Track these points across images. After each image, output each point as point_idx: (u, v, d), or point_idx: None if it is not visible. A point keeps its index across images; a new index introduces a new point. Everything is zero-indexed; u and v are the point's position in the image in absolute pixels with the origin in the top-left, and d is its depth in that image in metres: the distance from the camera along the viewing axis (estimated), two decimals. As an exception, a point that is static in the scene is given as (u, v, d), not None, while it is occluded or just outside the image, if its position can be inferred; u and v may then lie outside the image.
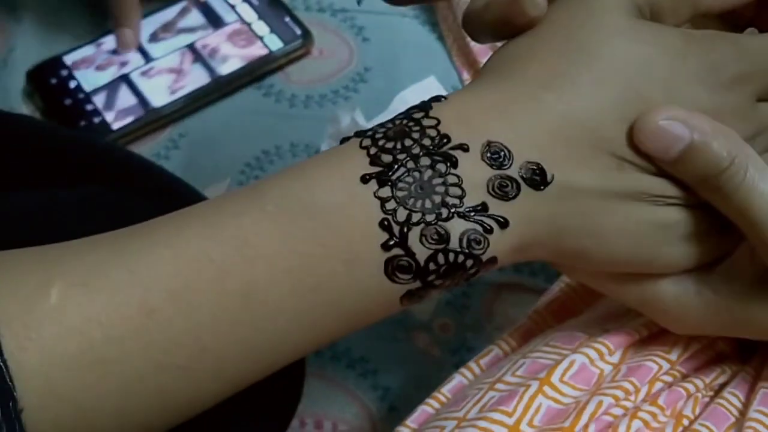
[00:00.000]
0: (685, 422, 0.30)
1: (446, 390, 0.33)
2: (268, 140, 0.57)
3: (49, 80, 0.58)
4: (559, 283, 0.42)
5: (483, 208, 0.26)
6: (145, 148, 0.57)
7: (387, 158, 0.26)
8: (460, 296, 0.51)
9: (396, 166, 0.25)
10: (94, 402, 0.23)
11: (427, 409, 0.33)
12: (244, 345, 0.25)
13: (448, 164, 0.26)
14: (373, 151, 0.26)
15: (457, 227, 0.25)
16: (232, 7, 0.62)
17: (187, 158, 0.56)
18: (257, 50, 0.60)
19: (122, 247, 0.25)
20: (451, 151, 0.26)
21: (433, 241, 0.25)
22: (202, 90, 0.58)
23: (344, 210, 0.25)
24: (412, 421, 0.32)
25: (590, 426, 0.29)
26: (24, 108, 0.58)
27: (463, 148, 0.26)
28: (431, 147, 0.26)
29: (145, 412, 0.24)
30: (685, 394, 0.31)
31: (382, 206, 0.25)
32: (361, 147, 0.26)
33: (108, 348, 0.23)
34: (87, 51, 0.60)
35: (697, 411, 0.30)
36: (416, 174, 0.25)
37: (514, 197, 0.26)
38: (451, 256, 0.25)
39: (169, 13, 0.62)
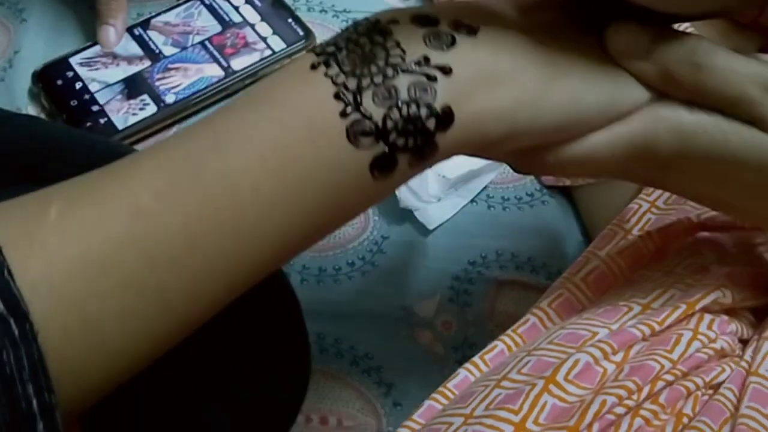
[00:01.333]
0: (685, 420, 0.31)
1: (452, 385, 0.34)
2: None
3: (55, 81, 0.59)
4: (560, 280, 0.42)
5: (425, 60, 0.28)
6: (151, 148, 0.57)
7: (330, 48, 0.28)
8: (462, 294, 0.52)
9: (340, 51, 0.28)
10: (97, 304, 0.25)
11: (433, 404, 0.33)
12: (230, 233, 0.26)
13: (385, 35, 0.28)
14: (317, 49, 0.28)
15: (404, 81, 0.27)
16: (236, 8, 0.63)
17: (192, 158, 0.57)
18: (260, 51, 0.61)
19: (113, 168, 0.27)
20: (384, 26, 0.29)
21: (384, 98, 0.27)
22: (214, 86, 0.59)
23: (299, 92, 0.27)
24: (419, 416, 0.33)
25: (594, 425, 0.29)
26: (30, 108, 0.59)
27: (394, 21, 0.29)
28: (365, 30, 0.29)
29: (145, 314, 0.26)
30: (686, 392, 0.31)
31: (333, 81, 0.27)
32: (307, 51, 0.29)
33: (105, 250, 0.25)
34: (94, 51, 0.61)
35: (697, 409, 0.31)
36: (358, 50, 0.28)
37: (452, 44, 0.28)
38: (404, 108, 0.27)
39: (178, 12, 0.63)
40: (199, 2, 0.63)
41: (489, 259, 0.53)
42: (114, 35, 0.60)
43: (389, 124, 0.27)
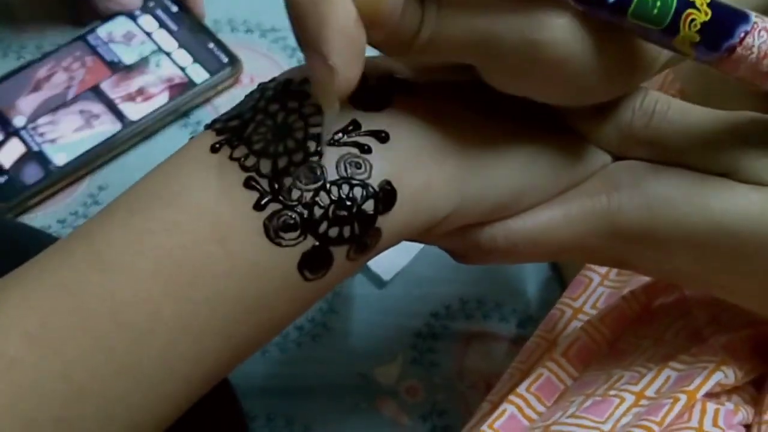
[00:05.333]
0: None
1: None
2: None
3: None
4: (536, 340, 0.38)
5: (354, 126, 0.23)
6: (61, 206, 0.50)
7: (235, 123, 0.23)
8: (426, 352, 0.46)
9: (246, 125, 0.23)
10: None
11: None
12: (127, 375, 0.21)
13: (300, 98, 0.23)
14: (218, 125, 0.23)
15: (331, 157, 0.22)
16: (149, 34, 0.55)
17: (110, 214, 0.50)
18: (179, 83, 0.54)
19: None
20: (298, 88, 0.23)
21: (308, 181, 0.22)
22: (113, 139, 0.51)
23: (200, 184, 0.22)
24: None
25: None
26: None
27: (309, 81, 0.23)
28: (276, 95, 0.23)
29: None
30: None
31: (241, 165, 0.22)
32: (206, 128, 0.24)
33: None
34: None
35: None
36: (269, 122, 0.23)
37: (387, 103, 0.23)
38: (335, 190, 0.22)
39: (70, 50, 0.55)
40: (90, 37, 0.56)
41: (453, 309, 0.48)
42: None
43: (317, 212, 0.22)
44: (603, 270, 0.41)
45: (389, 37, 0.21)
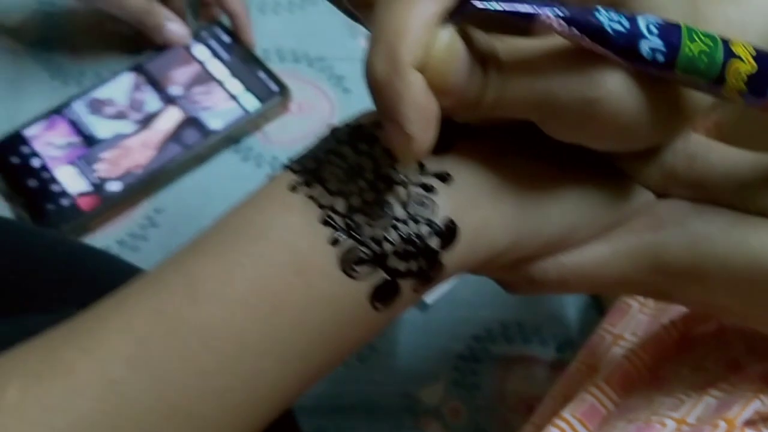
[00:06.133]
0: None
1: None
2: (251, 209, 0.54)
3: (9, 159, 0.54)
4: (577, 365, 0.39)
5: (420, 167, 0.25)
6: (120, 228, 0.53)
7: (311, 164, 0.25)
8: (468, 374, 0.48)
9: (321, 166, 0.25)
10: None
11: None
12: (217, 394, 0.24)
13: (371, 141, 0.25)
14: (296, 167, 0.25)
15: (399, 196, 0.24)
16: (201, 63, 0.58)
17: (166, 236, 0.53)
18: (232, 111, 0.56)
19: (72, 331, 0.24)
20: (369, 131, 0.25)
21: (379, 218, 0.24)
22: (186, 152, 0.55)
23: (282, 220, 0.24)
24: None
25: None
26: (-16, 191, 0.54)
27: (379, 124, 0.24)
28: (347, 137, 0.25)
29: None
30: None
31: (319, 203, 0.24)
32: (283, 168, 0.26)
33: None
34: (48, 124, 0.56)
35: None
36: (342, 164, 0.25)
37: (449, 146, 0.25)
38: (403, 228, 0.24)
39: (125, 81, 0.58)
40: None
41: (494, 333, 0.49)
42: (180, 28, 0.58)
43: (387, 247, 0.24)
44: (642, 297, 0.43)
45: (457, 103, 0.23)
